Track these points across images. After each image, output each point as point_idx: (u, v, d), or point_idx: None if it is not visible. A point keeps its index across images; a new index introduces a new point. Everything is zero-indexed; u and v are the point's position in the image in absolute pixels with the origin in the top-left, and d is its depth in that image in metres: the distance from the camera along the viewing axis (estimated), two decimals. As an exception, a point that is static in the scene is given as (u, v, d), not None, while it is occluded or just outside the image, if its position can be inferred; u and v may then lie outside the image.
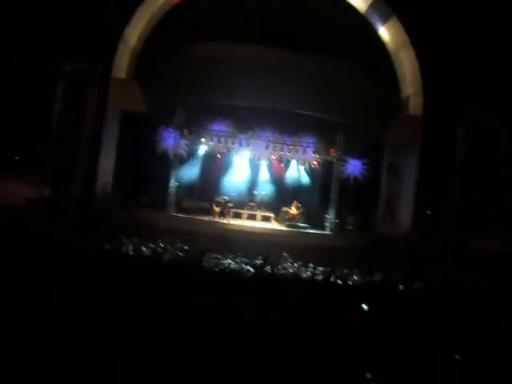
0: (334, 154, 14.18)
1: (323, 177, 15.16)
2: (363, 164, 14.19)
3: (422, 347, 4.05)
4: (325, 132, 14.18)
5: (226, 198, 13.95)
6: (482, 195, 12.42)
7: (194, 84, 13.33)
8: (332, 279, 8.50)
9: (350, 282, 8.19)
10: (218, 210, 13.64)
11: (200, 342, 3.95)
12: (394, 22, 13.57)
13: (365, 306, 5.56)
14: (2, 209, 10.56)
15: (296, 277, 9.01)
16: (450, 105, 12.52)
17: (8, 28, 12.44)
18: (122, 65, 13.46)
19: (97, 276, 5.53)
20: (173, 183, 13.73)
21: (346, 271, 9.14)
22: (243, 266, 9.17)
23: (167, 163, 13.88)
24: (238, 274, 8.62)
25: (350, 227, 14.28)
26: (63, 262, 5.97)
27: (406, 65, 13.83)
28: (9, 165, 13.22)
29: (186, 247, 9.82)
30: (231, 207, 14.05)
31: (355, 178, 14.08)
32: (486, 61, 12.26)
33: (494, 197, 12.39)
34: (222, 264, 9.10)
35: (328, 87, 13.53)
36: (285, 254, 10.61)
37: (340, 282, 8.19)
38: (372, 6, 13.71)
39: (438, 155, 12.73)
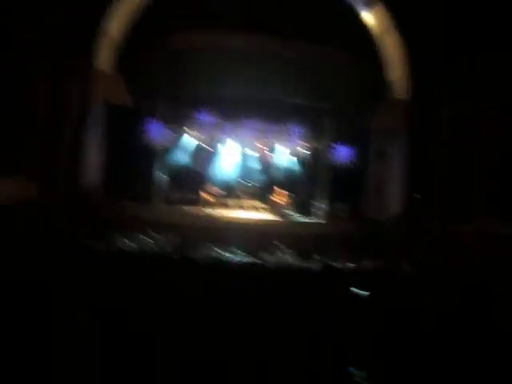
0: (322, 142, 14.13)
1: (312, 164, 15.10)
2: (352, 150, 14.17)
3: (417, 335, 4.01)
4: (312, 119, 14.14)
5: (213, 188, 13.85)
6: (469, 179, 12.47)
7: (178, 75, 13.19)
8: (323, 266, 8.49)
9: (342, 268, 8.18)
10: (205, 200, 13.55)
11: (193, 331, 3.87)
12: (378, 5, 13.44)
13: (357, 291, 5.54)
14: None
15: (287, 265, 9.01)
16: (436, 88, 12.49)
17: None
18: (103, 57, 13.18)
19: (87, 273, 5.41)
20: (159, 175, 13.59)
21: (337, 258, 9.15)
22: (232, 255, 9.15)
23: (153, 155, 13.74)
24: (226, 264, 8.58)
25: (340, 214, 14.31)
26: (54, 261, 5.84)
27: (391, 49, 13.74)
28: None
29: (174, 239, 9.75)
30: (219, 197, 13.98)
31: (344, 165, 14.06)
32: (472, 42, 12.21)
33: (481, 181, 12.44)
34: (211, 254, 9.07)
35: (313, 74, 13.48)
36: (275, 243, 10.60)
37: (332, 268, 8.17)
38: (355, -10, 13.57)
39: (425, 139, 12.72)
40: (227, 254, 9.36)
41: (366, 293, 5.35)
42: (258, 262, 8.87)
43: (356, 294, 5.50)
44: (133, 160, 13.51)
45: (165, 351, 3.52)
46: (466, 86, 12.00)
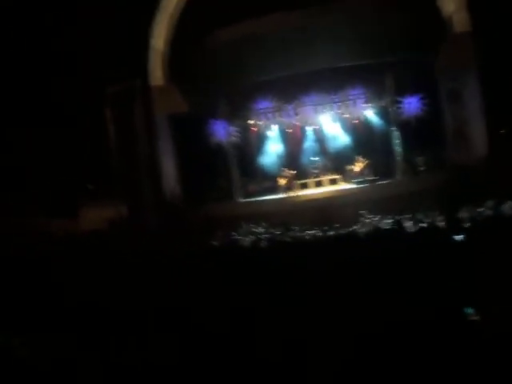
0: (386, 99, 13.51)
1: (382, 124, 14.53)
2: (420, 99, 13.38)
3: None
4: (372, 77, 13.51)
5: (289, 171, 13.89)
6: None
7: (228, 69, 13.32)
8: (415, 225, 8.20)
9: (433, 224, 7.85)
10: (283, 184, 13.67)
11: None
12: None
13: (458, 238, 5.33)
14: (89, 235, 11.35)
15: (379, 229, 8.81)
16: (501, 10, 11.38)
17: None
18: (156, 72, 13.74)
19: (193, 279, 5.60)
20: (234, 171, 13.92)
21: (426, 214, 8.78)
22: (322, 233, 9.15)
23: (225, 154, 14.08)
24: (320, 240, 8.58)
25: (421, 168, 13.63)
26: (161, 273, 6.09)
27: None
28: (85, 194, 14.18)
29: (263, 229, 9.95)
30: (296, 178, 13.99)
31: (416, 116, 13.34)
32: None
33: None
34: (302, 235, 9.13)
35: (363, 30, 12.87)
36: (363, 212, 10.41)
37: (424, 224, 7.88)
38: None
39: (498, 68, 11.66)
40: (317, 232, 9.37)
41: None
42: (351, 233, 8.77)
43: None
44: (207, 162, 13.96)
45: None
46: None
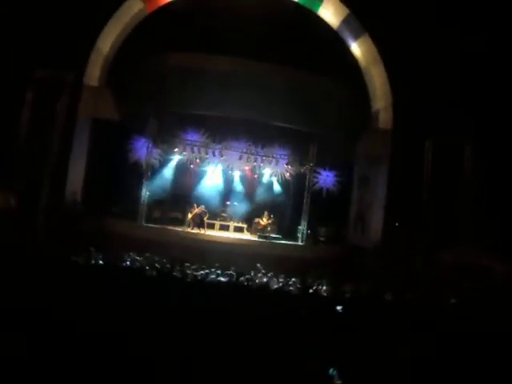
0: (306, 166, 14.32)
1: (296, 188, 15.29)
2: (335, 176, 14.41)
3: (387, 353, 4.11)
4: (298, 144, 14.34)
5: (198, 208, 13.84)
6: (450, 208, 12.76)
7: (167, 93, 13.33)
8: (303, 289, 8.52)
9: (321, 292, 8.23)
10: (190, 219, 13.55)
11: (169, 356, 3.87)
12: (366, 38, 13.92)
13: (338, 308, 5.62)
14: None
15: (268, 287, 8.99)
16: (418, 119, 12.88)
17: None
18: (94, 73, 13.31)
19: (65, 288, 5.35)
20: (144, 193, 13.55)
21: (317, 282, 9.17)
22: (215, 276, 9.11)
23: (139, 173, 13.72)
24: (210, 284, 8.54)
25: (321, 238, 14.41)
26: (31, 274, 5.75)
27: (377, 80, 14.20)
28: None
29: (157, 258, 9.68)
30: (204, 218, 13.95)
31: (327, 190, 14.26)
32: (452, 77, 12.69)
33: (461, 209, 12.74)
34: (194, 274, 9.00)
35: (301, 100, 13.75)
36: (258, 265, 10.60)
37: (311, 291, 8.22)
38: (344, 23, 14.03)
39: (407, 168, 13.03)
40: (210, 274, 9.32)
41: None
42: (241, 283, 8.84)
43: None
44: (119, 176, 13.46)
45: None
46: (447, 118, 12.40)
